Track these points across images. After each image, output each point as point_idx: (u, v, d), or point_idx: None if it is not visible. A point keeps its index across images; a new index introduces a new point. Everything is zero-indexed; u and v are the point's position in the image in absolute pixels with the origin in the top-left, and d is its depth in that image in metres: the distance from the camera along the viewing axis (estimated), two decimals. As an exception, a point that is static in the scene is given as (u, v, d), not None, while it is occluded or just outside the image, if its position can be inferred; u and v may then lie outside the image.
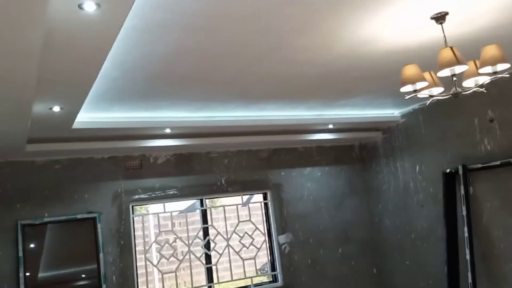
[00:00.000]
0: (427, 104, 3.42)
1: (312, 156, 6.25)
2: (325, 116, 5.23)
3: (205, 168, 5.61)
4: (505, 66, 2.74)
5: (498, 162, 4.59)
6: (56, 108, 3.57)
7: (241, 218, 5.82)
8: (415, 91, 2.96)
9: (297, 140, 5.77)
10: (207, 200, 5.66)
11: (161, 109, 4.34)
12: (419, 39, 3.27)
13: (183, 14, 2.51)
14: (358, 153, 6.57)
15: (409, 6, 2.75)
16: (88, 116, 4.20)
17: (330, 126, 5.51)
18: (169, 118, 4.55)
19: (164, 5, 2.38)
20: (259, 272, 6.04)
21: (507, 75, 2.91)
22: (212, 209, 5.75)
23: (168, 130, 4.72)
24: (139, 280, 5.17)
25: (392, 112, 5.73)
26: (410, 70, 2.90)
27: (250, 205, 6.15)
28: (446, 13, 2.89)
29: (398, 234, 6.04)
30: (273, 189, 5.96)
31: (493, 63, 2.71)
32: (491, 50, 2.72)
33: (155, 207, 5.62)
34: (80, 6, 2.03)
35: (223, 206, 5.83)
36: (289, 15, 2.67)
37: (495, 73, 2.79)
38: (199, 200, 5.66)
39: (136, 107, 4.15)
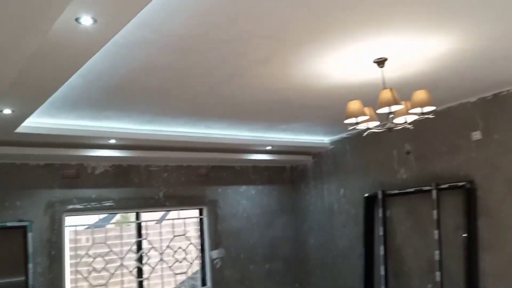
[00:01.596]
0: (364, 134, 3.84)
1: (248, 175, 6.53)
2: (265, 138, 5.57)
3: (143, 181, 5.64)
4: (431, 108, 3.25)
5: (412, 189, 5.21)
6: (7, 111, 3.50)
7: (176, 233, 5.89)
8: (356, 123, 3.38)
9: (235, 159, 6.03)
10: (142, 214, 5.67)
11: (110, 120, 4.37)
12: (362, 78, 3.72)
13: (162, 33, 2.67)
14: (289, 175, 6.98)
15: (355, 50, 3.17)
16: (33, 121, 4.11)
17: (268, 148, 5.85)
18: (115, 129, 4.57)
19: (146, 24, 2.53)
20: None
21: (432, 116, 3.43)
22: (142, 223, 5.73)
23: (113, 141, 4.73)
24: (69, 292, 5.02)
25: (322, 139, 6.22)
26: (354, 105, 3.31)
27: (186, 220, 6.23)
28: (386, 59, 3.36)
29: (321, 252, 6.48)
30: (209, 205, 6.13)
31: (422, 105, 3.21)
32: (421, 94, 3.22)
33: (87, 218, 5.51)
34: (77, 20, 2.14)
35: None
36: (257, 45, 2.95)
37: (422, 113, 3.30)
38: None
39: (84, 115, 4.15)
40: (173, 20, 2.49)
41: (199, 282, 6.09)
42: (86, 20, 2.15)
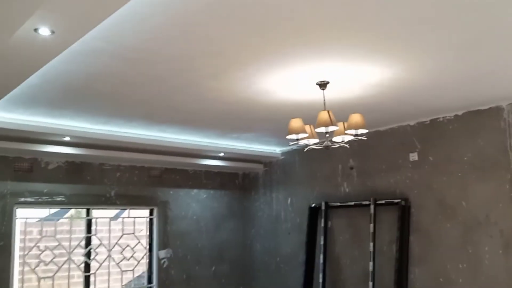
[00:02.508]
0: (304, 150, 4.16)
1: (200, 179, 6.75)
2: (218, 145, 5.81)
3: (96, 179, 5.76)
4: (364, 131, 3.60)
5: (352, 203, 5.59)
6: (-37, 103, 3.60)
7: (126, 231, 6.04)
8: (297, 139, 3.68)
9: (188, 163, 6.23)
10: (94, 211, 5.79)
11: (65, 118, 4.50)
12: (306, 97, 4.04)
13: (117, 45, 2.87)
14: (240, 181, 7.24)
15: (300, 72, 3.47)
16: (-12, 114, 4.20)
17: (221, 154, 6.10)
18: (70, 127, 4.69)
19: (102, 35, 2.71)
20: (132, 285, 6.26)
21: (365, 138, 3.78)
22: (93, 219, 5.85)
23: (67, 138, 4.85)
24: (14, 284, 5.08)
25: (274, 149, 6.53)
26: (296, 123, 3.62)
27: (134, 219, 6.38)
28: (328, 82, 3.69)
29: (266, 257, 6.77)
30: (160, 206, 6.31)
31: (356, 128, 3.55)
32: (356, 118, 3.56)
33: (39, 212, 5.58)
34: (36, 31, 2.33)
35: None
36: (207, 61, 3.20)
37: (356, 135, 3.64)
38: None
39: (40, 112, 4.27)
40: (128, 33, 2.70)
41: (145, 280, 6.24)
42: (44, 31, 2.34)
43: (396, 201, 5.15)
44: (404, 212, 5.12)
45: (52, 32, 2.35)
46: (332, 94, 3.89)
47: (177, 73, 3.40)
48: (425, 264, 4.95)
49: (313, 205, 6.06)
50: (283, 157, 6.63)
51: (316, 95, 3.88)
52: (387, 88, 3.89)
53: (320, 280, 5.75)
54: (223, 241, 6.87)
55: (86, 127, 4.79)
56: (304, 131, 3.62)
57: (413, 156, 5.16)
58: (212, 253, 6.72)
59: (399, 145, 5.27)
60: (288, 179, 6.55)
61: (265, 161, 6.83)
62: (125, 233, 6.05)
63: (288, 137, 3.68)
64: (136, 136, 5.13)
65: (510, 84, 3.91)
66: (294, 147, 6.40)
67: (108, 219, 5.97)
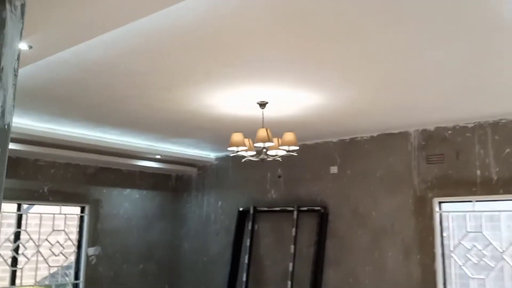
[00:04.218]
0: (242, 161, 4.67)
1: (134, 179, 7.02)
2: (156, 148, 6.16)
3: (30, 175, 5.84)
4: (296, 147, 4.19)
5: (278, 208, 6.21)
6: None
7: (56, 227, 6.16)
8: (237, 151, 4.19)
9: (124, 163, 6.49)
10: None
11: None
12: (247, 114, 4.56)
13: (83, 58, 3.20)
14: (173, 183, 7.60)
15: (243, 92, 3.98)
16: None
17: (157, 157, 6.44)
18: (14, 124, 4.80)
19: (70, 49, 3.03)
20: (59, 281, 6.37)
21: (296, 154, 4.38)
22: (29, 215, 5.93)
23: (5, 133, 4.94)
24: None
25: (209, 154, 6.99)
26: (237, 137, 4.13)
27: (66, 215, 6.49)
28: (267, 102, 4.23)
29: (193, 256, 7.20)
30: (92, 204, 6.49)
31: (289, 145, 4.13)
32: (289, 136, 4.14)
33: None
34: (14, 44, 2.60)
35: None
36: (162, 77, 3.62)
37: (288, 150, 4.22)
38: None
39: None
40: (93, 49, 3.03)
41: (72, 277, 6.39)
42: (23, 46, 2.62)
43: (316, 208, 5.84)
44: (323, 218, 5.81)
45: (30, 47, 2.64)
46: (270, 112, 4.45)
47: (132, 85, 3.77)
48: (338, 266, 5.67)
49: (242, 209, 6.59)
50: (217, 162, 7.11)
51: (256, 112, 4.41)
52: (318, 110, 4.52)
53: (244, 279, 6.30)
54: (153, 240, 7.19)
55: (25, 123, 4.92)
56: (244, 145, 4.14)
57: (334, 169, 5.88)
58: (141, 252, 7.01)
59: (322, 159, 5.97)
60: (220, 183, 7.04)
61: (199, 165, 7.26)
62: (55, 229, 6.16)
63: (229, 149, 4.18)
64: (72, 135, 5.32)
65: (416, 115, 4.73)
66: (228, 153, 6.90)
67: (39, 215, 6.05)
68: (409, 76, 3.57)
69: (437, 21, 2.61)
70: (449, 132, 5.02)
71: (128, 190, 6.96)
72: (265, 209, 6.37)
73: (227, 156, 6.96)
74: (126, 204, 6.91)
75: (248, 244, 6.40)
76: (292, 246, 5.92)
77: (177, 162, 6.89)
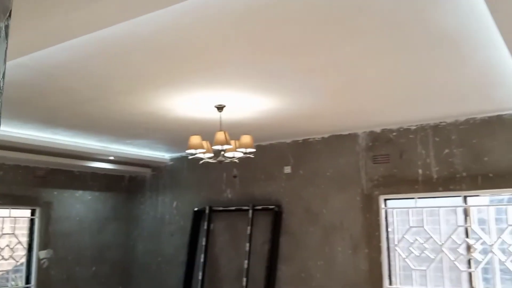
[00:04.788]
0: (200, 162, 4.81)
1: (86, 181, 6.97)
2: (109, 149, 6.17)
3: (-24, 177, 5.69)
4: (252, 150, 4.40)
5: (233, 208, 6.41)
6: None
7: (5, 230, 6.03)
8: (195, 154, 4.34)
9: (75, 165, 6.44)
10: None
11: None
12: (205, 117, 4.72)
13: (42, 62, 3.25)
14: (127, 184, 7.61)
15: (201, 96, 4.15)
16: None
17: (111, 158, 6.44)
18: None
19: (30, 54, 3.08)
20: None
21: (252, 156, 4.60)
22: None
23: (-50, 135, 4.83)
24: None
25: (163, 155, 7.06)
26: (195, 139, 4.28)
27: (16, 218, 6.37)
28: (224, 106, 4.41)
29: (147, 258, 7.25)
30: (43, 206, 6.40)
31: (246, 147, 4.34)
32: (246, 139, 4.34)
33: None
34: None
35: None
36: (121, 81, 3.73)
37: (246, 153, 4.43)
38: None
39: None
40: (53, 54, 3.09)
41: (23, 280, 6.28)
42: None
43: (271, 207, 6.09)
44: (276, 217, 6.07)
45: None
46: (227, 115, 4.63)
47: (92, 88, 3.84)
48: (291, 262, 5.95)
49: (197, 209, 6.73)
50: (171, 162, 7.20)
51: (213, 115, 4.58)
52: (273, 113, 4.76)
53: (200, 278, 6.45)
54: (106, 242, 7.18)
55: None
56: (202, 147, 4.29)
57: (287, 169, 6.15)
58: (94, 254, 6.99)
59: (276, 159, 6.23)
60: (175, 184, 7.13)
61: (154, 166, 7.32)
62: (4, 232, 6.03)
63: (188, 151, 4.32)
64: (22, 136, 5.25)
65: (364, 118, 5.08)
66: (183, 154, 7.01)
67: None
68: (359, 83, 3.87)
69: (386, 35, 2.90)
70: (394, 134, 5.42)
71: (80, 192, 6.91)
72: (221, 208, 6.55)
73: (182, 157, 7.07)
74: (78, 206, 6.86)
75: (203, 243, 6.56)
76: (247, 244, 6.14)
77: (131, 163, 6.92)
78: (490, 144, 4.83)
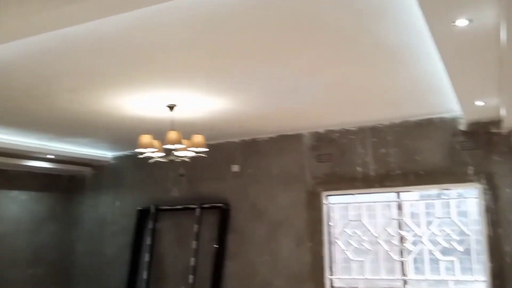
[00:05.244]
0: (149, 161, 4.90)
1: (22, 180, 6.77)
2: (48, 147, 6.07)
3: None
4: (204, 149, 4.59)
5: (180, 206, 6.53)
6: None
7: None
8: (145, 153, 4.45)
9: (10, 163, 6.24)
10: None
11: None
12: (156, 115, 4.83)
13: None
14: (66, 183, 7.46)
15: (152, 95, 4.27)
16: None
17: (50, 156, 6.32)
18: None
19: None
20: None
21: (205, 155, 4.78)
22: None
23: None
24: None
25: (105, 154, 7.02)
26: (146, 138, 4.39)
27: None
28: (175, 105, 4.55)
29: (88, 259, 7.18)
30: (-25, 208, 6.15)
31: (197, 146, 4.51)
32: (198, 138, 4.52)
33: None
34: None
35: None
36: (71, 78, 3.77)
37: (197, 152, 4.60)
38: None
39: None
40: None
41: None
42: None
43: (218, 205, 6.29)
44: (224, 214, 6.29)
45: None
46: (179, 114, 4.77)
47: (37, 86, 3.88)
48: (238, 258, 6.19)
49: (142, 208, 6.77)
50: (114, 161, 7.17)
51: (165, 114, 4.71)
52: (223, 113, 4.98)
53: (145, 277, 6.52)
54: (43, 244, 7.01)
55: None
56: (152, 146, 4.41)
57: (235, 168, 6.38)
58: (30, 256, 6.81)
59: (225, 158, 6.43)
60: (118, 183, 7.11)
61: (95, 165, 7.24)
62: None
63: (138, 150, 4.42)
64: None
65: (309, 119, 5.42)
66: (127, 152, 7.02)
67: None
68: (306, 88, 4.19)
69: (334, 46, 3.23)
70: (336, 134, 5.83)
71: (15, 192, 6.70)
72: (167, 207, 6.64)
73: (126, 156, 7.07)
74: (13, 206, 6.65)
75: (149, 242, 6.62)
76: (195, 242, 6.30)
77: (71, 161, 6.81)
78: (421, 145, 5.36)
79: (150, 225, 6.69)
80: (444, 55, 3.05)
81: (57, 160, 6.60)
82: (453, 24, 2.51)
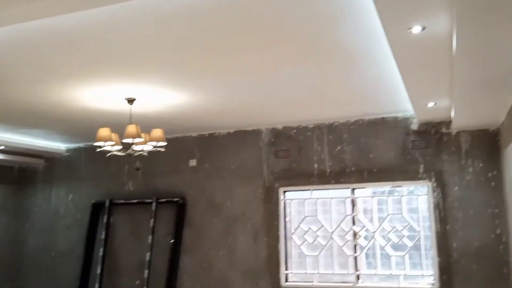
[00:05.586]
0: (107, 156, 4.83)
1: (-31, 172, 6.50)
2: (0, 138, 5.84)
3: None
4: (163, 143, 4.57)
5: (135, 201, 6.47)
6: None
7: None
8: (104, 146, 4.39)
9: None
10: None
11: None
12: (114, 108, 4.76)
13: None
14: (16, 176, 7.20)
15: (111, 88, 4.21)
16: None
17: (1, 147, 6.09)
18: None
19: None
20: None
21: (163, 150, 4.76)
22: None
23: None
24: None
25: (59, 145, 6.84)
26: (104, 132, 4.33)
27: None
28: (135, 99, 4.51)
29: (40, 253, 6.99)
30: None
31: (157, 140, 4.48)
32: (157, 132, 4.49)
33: None
34: None
35: None
36: (29, 69, 3.68)
37: (156, 146, 4.57)
38: None
39: None
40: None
41: None
42: None
43: (175, 199, 6.27)
44: (180, 209, 6.28)
45: None
46: (138, 108, 4.72)
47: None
48: (193, 252, 6.21)
49: (96, 201, 6.65)
50: (68, 153, 6.99)
51: (124, 107, 4.65)
52: (180, 108, 4.97)
53: (98, 271, 6.43)
54: (-9, 238, 6.77)
55: None
56: (111, 139, 4.35)
57: (192, 162, 6.38)
58: (-24, 251, 6.56)
59: (182, 152, 6.41)
60: (71, 176, 6.95)
61: (47, 156, 7.04)
62: None
63: (96, 143, 4.35)
64: None
65: (267, 116, 5.50)
66: (82, 145, 6.86)
67: None
68: (266, 86, 4.25)
69: (294, 46, 3.30)
70: (294, 131, 5.93)
71: (-39, 184, 6.42)
72: (122, 201, 6.56)
73: (79, 148, 6.91)
74: (-42, 199, 6.37)
75: (103, 237, 6.53)
76: (150, 237, 6.26)
77: (22, 153, 6.60)
78: (375, 143, 5.56)
79: (104, 219, 6.58)
80: (399, 59, 3.18)
81: (8, 151, 6.37)
82: (409, 30, 2.63)
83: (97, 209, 6.70)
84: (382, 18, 2.49)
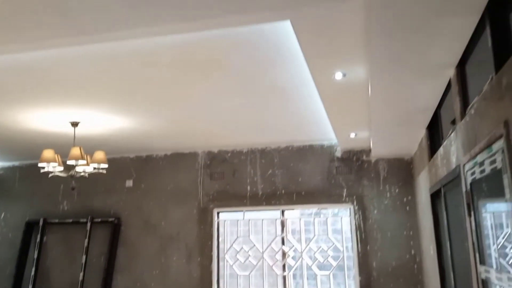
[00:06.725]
0: (49, 176, 4.93)
1: None
2: None
3: None
4: (105, 165, 4.78)
5: (70, 220, 6.51)
6: None
7: None
8: (47, 168, 4.52)
9: None
10: None
11: None
12: (58, 131, 4.91)
13: None
14: None
15: (56, 112, 4.41)
16: None
17: None
18: None
19: None
20: None
21: (104, 172, 4.94)
22: None
23: None
24: None
25: (-10, 163, 6.74)
26: (48, 153, 4.47)
27: None
28: (79, 122, 4.69)
29: (-37, 274, 6.76)
30: None
31: (99, 163, 4.68)
32: (100, 155, 4.70)
33: None
34: None
35: None
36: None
37: (98, 168, 4.76)
38: None
39: None
40: None
41: None
42: None
43: (110, 219, 6.40)
44: (115, 229, 6.41)
45: None
46: (82, 131, 4.91)
47: None
48: (127, 272, 6.34)
49: (29, 220, 6.61)
50: (1, 172, 6.88)
51: (68, 130, 4.82)
52: (124, 131, 5.24)
53: (27, 293, 6.35)
54: None
55: None
56: (54, 161, 4.50)
57: (129, 183, 6.56)
58: None
59: (119, 173, 6.58)
60: (4, 194, 6.87)
61: (-22, 174, 6.90)
62: None
63: (40, 165, 4.48)
64: None
65: (204, 140, 5.87)
66: (16, 163, 6.81)
67: None
68: (205, 114, 4.64)
69: (234, 82, 3.73)
70: (229, 154, 6.33)
71: None
72: (57, 221, 6.57)
73: (14, 166, 6.87)
74: None
75: (35, 256, 6.48)
76: (84, 256, 6.32)
77: (-50, 170, 6.44)
78: (303, 167, 6.08)
79: (38, 238, 6.54)
80: (324, 98, 3.70)
81: None
82: (332, 76, 3.14)
83: (30, 228, 6.65)
84: (309, 66, 2.98)
